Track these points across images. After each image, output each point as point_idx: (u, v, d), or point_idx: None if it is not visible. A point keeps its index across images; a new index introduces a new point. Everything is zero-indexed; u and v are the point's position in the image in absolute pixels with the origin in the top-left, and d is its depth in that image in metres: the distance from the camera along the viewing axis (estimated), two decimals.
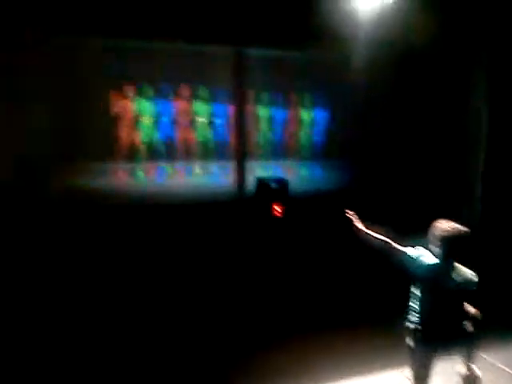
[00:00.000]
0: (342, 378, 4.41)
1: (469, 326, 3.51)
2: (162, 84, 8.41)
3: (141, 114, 8.40)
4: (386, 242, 3.67)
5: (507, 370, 4.53)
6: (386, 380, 4.40)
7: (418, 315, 3.60)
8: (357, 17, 7.17)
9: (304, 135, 9.33)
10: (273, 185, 7.94)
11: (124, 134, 8.28)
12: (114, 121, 8.17)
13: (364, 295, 6.16)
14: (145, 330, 5.28)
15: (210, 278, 6.55)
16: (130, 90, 8.21)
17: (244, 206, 7.95)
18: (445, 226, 3.50)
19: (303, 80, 8.94)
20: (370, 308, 5.82)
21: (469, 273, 3.52)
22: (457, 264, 3.53)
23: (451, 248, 3.45)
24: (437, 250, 3.51)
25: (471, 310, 3.52)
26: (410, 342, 3.65)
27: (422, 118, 8.70)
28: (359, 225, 3.86)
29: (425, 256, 3.55)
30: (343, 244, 7.41)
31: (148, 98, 8.39)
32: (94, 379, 4.44)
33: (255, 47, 8.25)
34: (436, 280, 3.50)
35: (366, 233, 3.79)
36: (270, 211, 7.72)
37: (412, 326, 3.62)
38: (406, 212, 7.64)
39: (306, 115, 9.29)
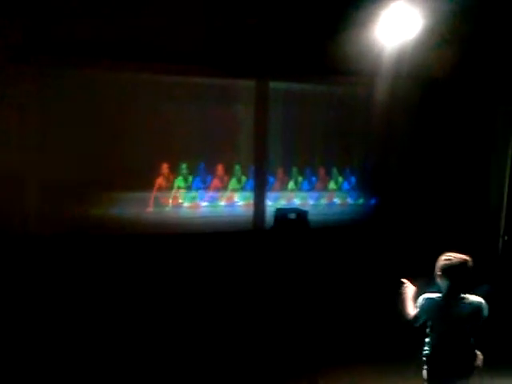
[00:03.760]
0: None
1: (476, 361, 3.59)
2: None
3: None
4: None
5: None
6: None
7: (428, 350, 3.67)
8: (379, 51, 7.32)
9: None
10: (291, 215, 7.93)
11: None
12: None
13: (384, 330, 5.99)
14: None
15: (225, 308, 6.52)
16: None
17: (262, 237, 7.93)
18: (444, 257, 3.60)
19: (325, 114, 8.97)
20: (389, 343, 5.66)
21: (476, 304, 3.58)
22: (464, 295, 3.59)
23: (451, 278, 3.53)
24: (441, 283, 3.60)
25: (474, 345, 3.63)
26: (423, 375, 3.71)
27: (444, 151, 8.66)
28: (408, 292, 3.86)
29: (428, 295, 3.65)
30: (362, 277, 7.42)
31: None
32: None
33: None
34: (440, 313, 3.58)
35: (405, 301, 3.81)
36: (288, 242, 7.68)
37: (424, 359, 3.69)
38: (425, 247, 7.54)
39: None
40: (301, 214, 8.05)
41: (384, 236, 8.24)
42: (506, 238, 8.16)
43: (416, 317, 3.63)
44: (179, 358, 5.33)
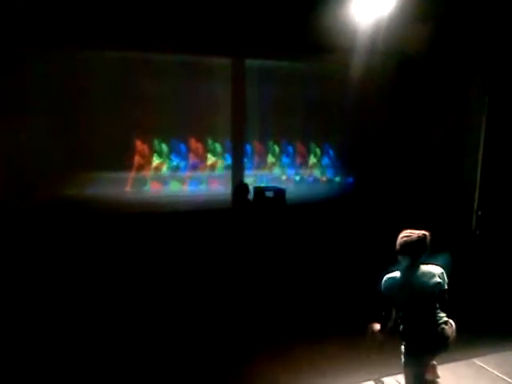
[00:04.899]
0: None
1: (446, 330, 3.64)
2: None
3: None
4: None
5: (501, 375, 4.45)
6: None
7: (401, 326, 3.71)
8: (354, 28, 7.30)
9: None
10: (269, 193, 7.96)
11: None
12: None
13: (360, 303, 6.10)
14: (145, 334, 5.28)
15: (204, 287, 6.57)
16: None
17: (240, 215, 7.95)
18: (402, 234, 3.70)
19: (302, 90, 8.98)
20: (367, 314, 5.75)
21: (435, 273, 3.66)
22: (424, 267, 3.68)
23: (411, 254, 3.64)
24: (401, 259, 3.69)
25: (443, 314, 3.70)
26: (402, 350, 3.78)
27: (420, 127, 8.75)
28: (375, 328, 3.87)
29: (388, 275, 3.71)
30: (339, 252, 7.54)
31: None
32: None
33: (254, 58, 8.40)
34: (402, 290, 3.64)
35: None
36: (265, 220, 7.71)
37: (400, 340, 3.76)
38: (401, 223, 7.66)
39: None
40: (278, 192, 8.09)
41: (361, 212, 8.35)
42: (479, 213, 8.33)
43: (386, 303, 3.70)
44: (152, 335, 5.37)
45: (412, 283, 3.63)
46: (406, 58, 8.50)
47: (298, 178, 9.14)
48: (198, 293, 6.39)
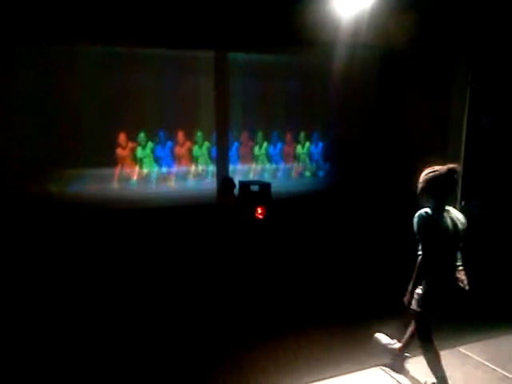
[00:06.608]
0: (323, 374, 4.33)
1: (461, 275, 3.48)
2: None
3: None
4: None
5: (485, 362, 4.49)
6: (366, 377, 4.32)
7: (427, 268, 3.41)
8: (337, 20, 7.30)
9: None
10: (255, 188, 7.94)
11: None
12: None
13: (346, 294, 6.11)
14: (132, 330, 5.23)
15: (191, 281, 6.55)
16: None
17: (226, 209, 7.93)
18: (426, 171, 3.37)
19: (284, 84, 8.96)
20: (352, 307, 5.77)
21: (461, 219, 3.38)
22: (451, 209, 3.38)
23: (438, 191, 3.27)
24: (427, 197, 3.34)
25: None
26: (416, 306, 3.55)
27: (403, 118, 8.79)
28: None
29: (419, 212, 3.34)
30: (324, 244, 7.57)
31: None
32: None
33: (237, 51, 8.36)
34: (429, 228, 3.29)
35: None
36: (252, 214, 7.69)
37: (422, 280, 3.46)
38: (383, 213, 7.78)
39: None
40: (264, 186, 8.07)
41: (346, 205, 8.38)
42: (463, 203, 8.38)
43: (424, 242, 3.34)
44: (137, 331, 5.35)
45: (444, 223, 3.25)
46: (389, 49, 8.52)
47: (283, 171, 9.12)
48: (186, 288, 6.38)
